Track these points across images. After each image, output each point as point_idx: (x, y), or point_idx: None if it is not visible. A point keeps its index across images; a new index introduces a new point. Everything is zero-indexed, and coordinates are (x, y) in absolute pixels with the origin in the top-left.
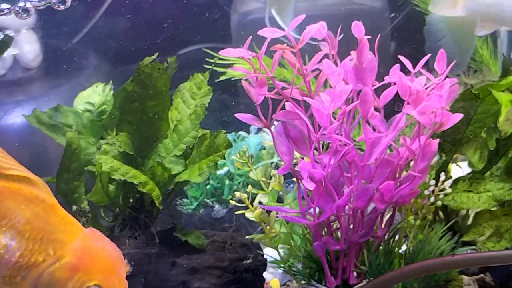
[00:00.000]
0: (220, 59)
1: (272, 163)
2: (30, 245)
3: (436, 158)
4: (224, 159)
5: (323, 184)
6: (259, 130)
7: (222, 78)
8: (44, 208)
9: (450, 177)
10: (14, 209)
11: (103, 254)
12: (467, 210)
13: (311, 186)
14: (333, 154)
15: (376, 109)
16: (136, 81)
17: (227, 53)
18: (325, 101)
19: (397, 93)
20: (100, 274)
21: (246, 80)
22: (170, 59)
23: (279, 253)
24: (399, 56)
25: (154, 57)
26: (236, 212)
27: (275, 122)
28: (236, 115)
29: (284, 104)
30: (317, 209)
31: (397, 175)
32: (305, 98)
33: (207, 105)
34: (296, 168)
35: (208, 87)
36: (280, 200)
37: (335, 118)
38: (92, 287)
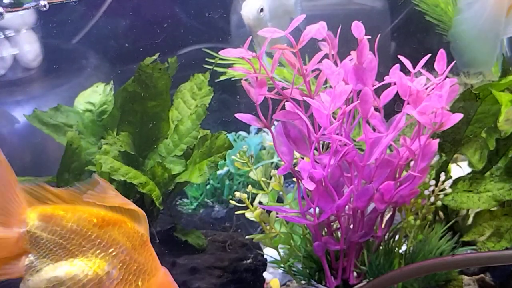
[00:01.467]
0: (220, 59)
1: (272, 163)
2: (126, 275)
3: (436, 158)
4: (225, 160)
5: (323, 184)
6: (259, 130)
7: (222, 78)
8: (141, 242)
9: (450, 177)
10: (118, 240)
11: None
12: (467, 210)
13: (311, 186)
14: (333, 154)
15: (376, 109)
16: (137, 81)
17: (227, 53)
18: (325, 101)
19: (397, 93)
20: None
21: (246, 80)
22: (171, 59)
23: (279, 253)
24: (399, 56)
25: (155, 57)
26: (236, 212)
27: (275, 122)
28: (236, 115)
29: (284, 104)
30: (317, 209)
31: (397, 175)
32: (305, 98)
33: (207, 105)
34: (296, 168)
35: (208, 88)
36: (280, 200)
37: (335, 118)
38: None
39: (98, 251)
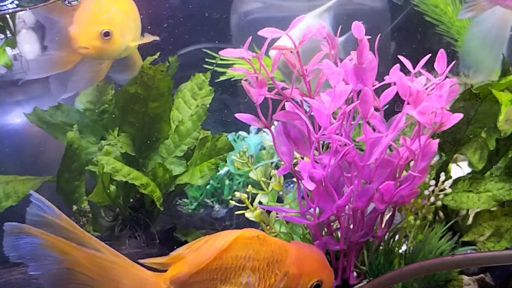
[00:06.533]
0: (220, 59)
1: (272, 163)
2: (263, 274)
3: (436, 158)
4: (225, 160)
5: (323, 184)
6: (259, 130)
7: (222, 78)
8: (259, 243)
9: (450, 177)
10: (239, 254)
11: (312, 256)
12: (467, 210)
13: (311, 186)
14: (333, 154)
15: (376, 109)
16: (139, 82)
17: (227, 53)
18: (325, 101)
19: (397, 93)
20: (317, 272)
21: (246, 80)
22: (171, 58)
23: None
24: (399, 56)
25: (155, 56)
26: (236, 212)
27: (275, 122)
28: (236, 115)
29: (284, 104)
30: (317, 209)
31: (397, 175)
32: (305, 98)
33: (208, 106)
34: (296, 168)
35: (209, 87)
36: (280, 200)
37: (335, 118)
38: (315, 284)
39: (228, 275)
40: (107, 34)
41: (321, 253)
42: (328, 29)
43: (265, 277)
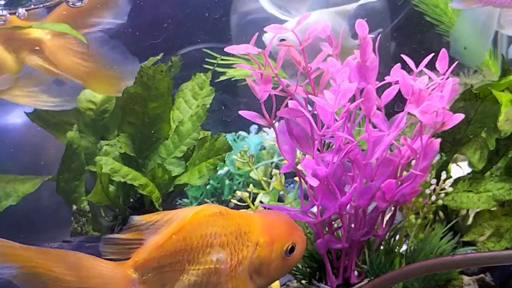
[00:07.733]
0: (220, 59)
1: (272, 163)
2: (233, 248)
3: (437, 158)
4: (224, 162)
5: (325, 182)
6: (259, 130)
7: (222, 78)
8: (223, 218)
9: (450, 177)
10: (204, 232)
11: (281, 221)
12: (467, 210)
13: (315, 182)
14: (336, 152)
15: (377, 109)
16: (139, 83)
17: (233, 50)
18: (330, 99)
19: (397, 94)
20: (289, 236)
21: (250, 77)
22: (174, 58)
23: None
24: (402, 56)
25: (159, 57)
26: None
27: (276, 122)
28: (240, 112)
29: (287, 102)
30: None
31: (398, 174)
32: (309, 96)
33: (208, 106)
34: (298, 167)
35: (210, 87)
36: (280, 200)
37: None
38: (289, 248)
39: (196, 255)
40: None
41: (288, 217)
42: (345, 29)
43: (236, 251)
